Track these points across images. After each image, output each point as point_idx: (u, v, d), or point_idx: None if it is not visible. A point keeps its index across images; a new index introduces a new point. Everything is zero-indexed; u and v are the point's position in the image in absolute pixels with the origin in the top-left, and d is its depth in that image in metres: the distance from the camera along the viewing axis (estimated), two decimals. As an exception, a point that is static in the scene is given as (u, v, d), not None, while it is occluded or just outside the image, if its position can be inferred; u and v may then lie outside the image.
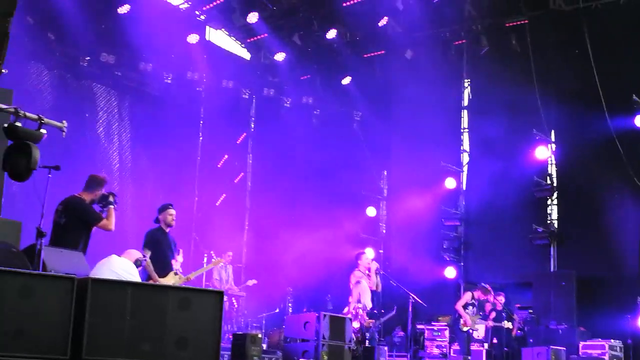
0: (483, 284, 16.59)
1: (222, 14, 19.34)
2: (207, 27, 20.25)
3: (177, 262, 11.34)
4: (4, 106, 7.24)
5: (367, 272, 13.58)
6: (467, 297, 16.26)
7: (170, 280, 10.73)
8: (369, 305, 13.37)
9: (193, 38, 18.89)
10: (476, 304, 16.20)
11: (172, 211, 11.23)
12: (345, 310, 13.27)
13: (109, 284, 6.16)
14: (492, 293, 16.40)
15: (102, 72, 18.18)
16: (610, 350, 16.30)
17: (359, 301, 13.17)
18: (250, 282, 16.52)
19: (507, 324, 16.06)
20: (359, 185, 21.51)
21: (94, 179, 9.79)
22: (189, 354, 6.01)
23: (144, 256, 9.97)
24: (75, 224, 9.46)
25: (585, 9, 18.22)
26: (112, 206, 9.63)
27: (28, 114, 7.23)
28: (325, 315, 10.65)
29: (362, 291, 13.38)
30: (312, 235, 19.00)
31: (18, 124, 7.05)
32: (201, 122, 20.60)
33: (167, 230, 11.20)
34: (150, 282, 10.71)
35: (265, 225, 19.50)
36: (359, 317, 12.71)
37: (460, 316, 15.99)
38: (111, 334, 5.67)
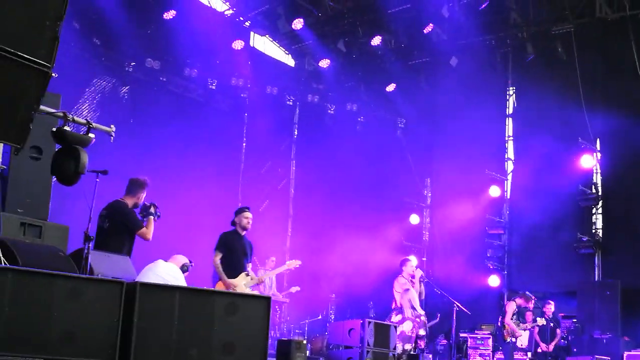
0: (526, 292, 16.48)
1: (267, 20, 19.40)
2: (252, 33, 20.35)
3: (250, 265, 11.38)
4: (52, 110, 7.32)
5: (411, 279, 13.55)
6: (512, 307, 16.14)
7: (241, 281, 10.81)
8: (421, 311, 13.40)
9: (238, 44, 18.98)
10: (516, 311, 16.10)
11: (249, 214, 11.32)
12: (397, 318, 13.24)
13: (157, 289, 6.18)
14: (533, 300, 16.28)
15: (147, 78, 18.32)
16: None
17: (413, 308, 13.18)
18: (294, 289, 16.53)
19: (541, 321, 15.95)
20: (402, 192, 21.49)
21: (134, 182, 9.95)
22: (236, 358, 6.02)
23: (191, 262, 10.03)
24: (119, 229, 9.59)
25: (632, 17, 18.06)
26: (152, 217, 9.73)
27: (77, 119, 7.31)
28: (370, 322, 10.63)
29: (412, 298, 13.38)
30: (355, 243, 18.98)
31: (67, 128, 7.13)
32: (245, 128, 20.67)
33: (243, 233, 11.25)
34: (220, 284, 10.78)
35: (308, 232, 19.51)
36: (422, 323, 12.76)
37: (504, 326, 15.87)
38: (159, 338, 5.70)
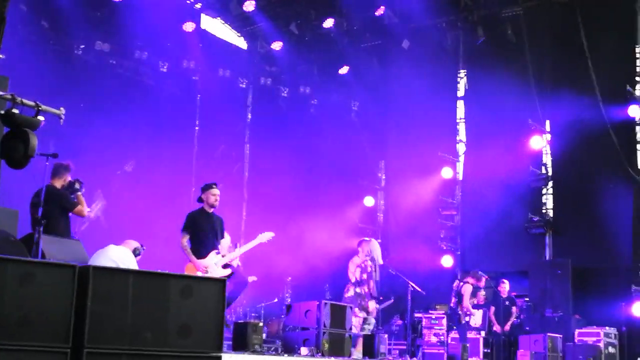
0: (477, 271, 16.65)
1: (218, 3, 19.28)
2: (203, 16, 20.14)
3: (222, 242, 11.18)
4: (0, 93, 7.20)
5: (366, 260, 13.59)
6: (468, 290, 16.29)
7: (211, 260, 10.65)
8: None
9: (189, 26, 18.80)
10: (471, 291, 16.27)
11: (216, 191, 11.03)
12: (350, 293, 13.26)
13: (110, 272, 6.11)
14: (484, 279, 16.45)
15: (96, 61, 18.06)
16: (605, 338, 16.41)
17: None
18: (250, 279, 16.40)
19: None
20: (356, 175, 21.55)
21: (59, 165, 10.04)
22: (192, 342, 5.98)
23: (142, 246, 9.92)
24: (53, 213, 9.54)
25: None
26: (79, 192, 9.96)
27: (25, 101, 7.18)
28: (326, 304, 10.64)
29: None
30: (310, 225, 19.01)
31: (15, 110, 7.01)
32: (197, 111, 20.51)
33: (211, 210, 11.02)
34: (190, 266, 10.66)
35: (263, 215, 19.46)
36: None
37: (459, 306, 16.02)
38: (113, 322, 5.63)
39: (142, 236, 11.37)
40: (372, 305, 13.23)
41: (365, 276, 13.20)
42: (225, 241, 11.68)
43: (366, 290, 12.94)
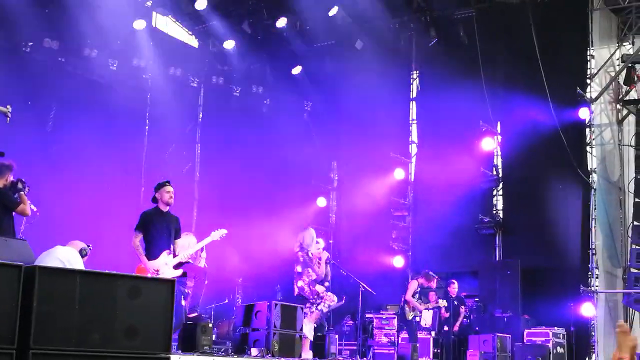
0: (428, 272, 16.71)
1: (170, 1, 19.08)
2: (154, 14, 19.95)
3: (179, 242, 11.00)
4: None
5: (317, 260, 13.54)
6: (413, 285, 16.35)
7: (162, 261, 10.49)
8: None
9: (139, 24, 18.59)
10: (418, 290, 16.32)
11: (170, 188, 10.83)
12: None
13: (56, 272, 6.02)
14: (435, 279, 16.52)
15: (45, 59, 17.77)
16: (553, 338, 16.59)
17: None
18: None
19: (442, 303, 16.23)
20: (309, 175, 21.52)
21: (0, 164, 9.89)
22: (140, 342, 5.91)
23: (89, 246, 9.77)
24: None
25: (531, 1, 18.42)
26: (22, 192, 9.88)
27: (-28, 99, 7.05)
28: (276, 305, 10.60)
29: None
30: (263, 226, 18.94)
31: (-39, 109, 6.88)
32: (148, 110, 20.29)
33: (166, 209, 10.83)
34: (141, 267, 10.50)
35: (214, 216, 19.32)
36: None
37: (406, 303, 16.07)
38: (60, 323, 5.54)
39: (91, 236, 11.20)
40: (320, 288, 13.10)
41: (299, 268, 13.12)
42: (185, 240, 11.55)
43: (306, 280, 12.84)
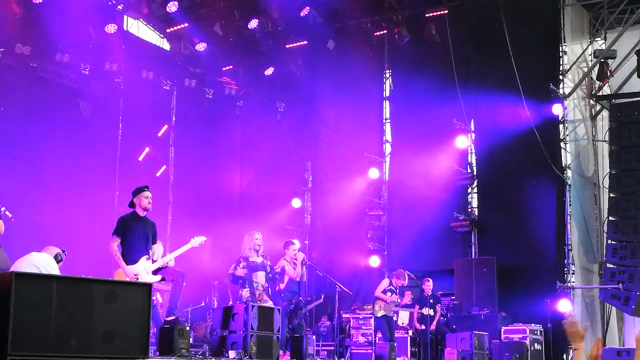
0: (399, 270, 16.73)
1: (141, 4, 18.97)
2: (126, 17, 19.84)
3: (155, 247, 10.92)
4: None
5: (293, 262, 13.54)
6: (384, 283, 16.37)
7: (141, 266, 10.42)
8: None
9: (111, 28, 18.43)
10: (396, 290, 16.32)
11: (148, 193, 10.78)
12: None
13: (33, 278, 6.00)
14: (407, 277, 16.50)
15: (16, 64, 17.63)
16: (531, 335, 16.67)
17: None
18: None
19: (429, 311, 16.23)
20: (283, 176, 21.52)
21: None
22: (117, 347, 5.92)
23: (64, 251, 9.70)
24: None
25: (503, -2, 18.52)
26: None
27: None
28: (253, 306, 10.58)
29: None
30: (237, 228, 18.86)
31: None
32: (121, 114, 20.18)
33: (144, 214, 10.78)
34: (120, 272, 10.42)
35: (189, 219, 19.28)
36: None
37: (375, 300, 16.07)
38: (37, 329, 5.53)
39: (66, 242, 11.13)
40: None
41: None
42: (158, 247, 11.50)
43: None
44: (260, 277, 12.69)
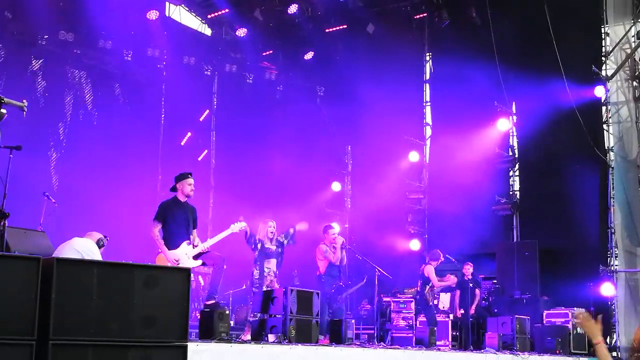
0: (434, 250, 16.69)
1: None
2: (167, 3, 20.03)
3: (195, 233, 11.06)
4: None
5: (333, 246, 13.60)
6: (431, 270, 16.33)
7: (182, 251, 10.58)
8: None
9: (153, 14, 18.66)
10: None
11: (191, 180, 10.87)
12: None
13: (74, 264, 6.11)
14: (442, 255, 16.46)
15: (61, 51, 17.91)
16: (573, 318, 16.53)
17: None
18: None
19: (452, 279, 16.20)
20: (323, 160, 21.56)
21: None
22: (156, 331, 6.00)
23: (106, 237, 9.86)
24: None
25: (544, -21, 18.32)
26: None
27: (-13, 94, 7.14)
28: (292, 290, 10.65)
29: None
30: (277, 212, 18.94)
31: (-23, 103, 6.96)
32: (163, 99, 20.38)
33: (184, 199, 10.91)
34: (161, 257, 10.58)
35: (231, 203, 19.43)
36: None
37: (431, 288, 16.06)
38: (78, 313, 5.63)
39: (108, 227, 11.32)
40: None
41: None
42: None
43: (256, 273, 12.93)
44: (272, 264, 12.85)
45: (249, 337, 11.43)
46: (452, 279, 16.57)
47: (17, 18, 16.80)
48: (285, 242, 13.18)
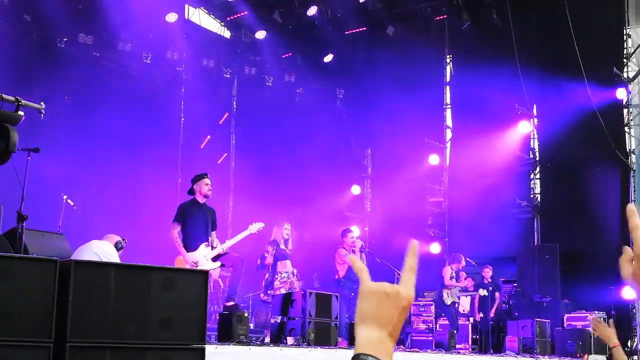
0: (455, 254, 16.66)
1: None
2: (186, 6, 20.06)
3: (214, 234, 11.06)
4: (-20, 89, 7.15)
5: (352, 249, 13.58)
6: (449, 271, 16.30)
7: (201, 253, 10.58)
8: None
9: (172, 17, 18.69)
10: (453, 275, 16.28)
11: (208, 180, 10.91)
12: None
13: (91, 266, 6.11)
14: (463, 259, 16.41)
15: (80, 54, 17.98)
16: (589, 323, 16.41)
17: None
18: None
19: (482, 292, 16.13)
20: (343, 163, 21.53)
21: None
22: (174, 334, 5.98)
23: (124, 239, 9.86)
24: None
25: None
26: None
27: (5, 96, 7.14)
28: (311, 293, 10.62)
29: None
30: (297, 215, 18.96)
31: (-5, 106, 6.96)
32: (182, 102, 20.42)
33: (203, 201, 10.92)
34: (180, 259, 10.58)
35: (250, 205, 19.41)
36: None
37: (444, 288, 16.03)
38: (95, 316, 5.62)
39: (127, 229, 11.32)
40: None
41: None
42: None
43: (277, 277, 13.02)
44: (288, 266, 12.90)
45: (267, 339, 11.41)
46: (465, 282, 16.51)
47: (37, 21, 16.89)
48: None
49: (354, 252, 13.56)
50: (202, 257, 10.56)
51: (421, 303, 16.74)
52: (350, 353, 1.88)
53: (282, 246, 13.01)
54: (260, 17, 19.84)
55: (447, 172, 21.45)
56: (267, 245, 13.23)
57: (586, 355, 14.96)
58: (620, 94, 18.02)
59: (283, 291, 12.12)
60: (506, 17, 18.95)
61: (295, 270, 13.13)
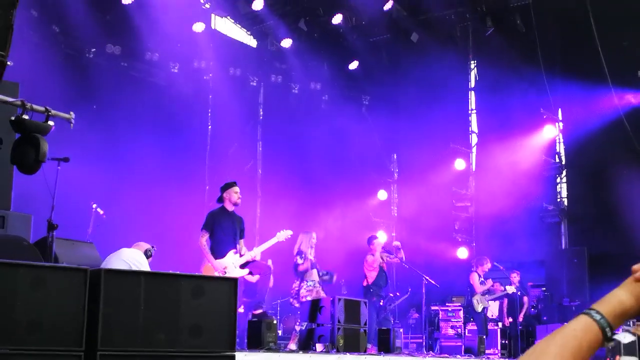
0: (480, 257, 16.64)
1: (227, 2, 19.30)
2: (213, 15, 20.22)
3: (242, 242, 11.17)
4: (10, 99, 7.28)
5: (386, 255, 13.65)
6: (475, 278, 16.30)
7: (229, 260, 10.68)
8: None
9: (199, 27, 18.86)
10: (482, 280, 16.28)
11: (237, 189, 11.06)
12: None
13: (121, 274, 6.19)
14: (488, 263, 16.39)
15: (108, 64, 18.17)
16: (623, 326, 16.21)
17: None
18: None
19: (510, 289, 16.13)
20: (369, 169, 21.58)
21: None
22: (204, 341, 6.03)
23: (154, 247, 9.96)
24: None
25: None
26: None
27: (35, 107, 7.27)
28: (339, 299, 10.67)
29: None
30: (324, 221, 19.05)
31: (25, 116, 7.08)
32: (209, 111, 20.58)
33: (232, 209, 11.04)
34: (208, 266, 10.68)
35: (277, 212, 19.50)
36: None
37: (474, 295, 16.04)
38: (126, 324, 5.69)
39: (157, 238, 11.44)
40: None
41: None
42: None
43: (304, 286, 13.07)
44: (314, 275, 12.95)
45: (293, 346, 11.48)
46: (491, 284, 16.49)
47: (65, 32, 17.09)
48: (325, 277, 13.38)
49: (384, 257, 13.61)
50: (231, 264, 10.66)
51: (449, 308, 16.76)
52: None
53: (309, 256, 13.07)
54: (286, 26, 19.94)
55: (473, 177, 21.41)
56: (296, 255, 13.28)
57: (618, 357, 14.88)
58: (646, 97, 17.95)
59: (309, 299, 12.18)
60: (530, 22, 18.96)
61: (319, 280, 13.20)
